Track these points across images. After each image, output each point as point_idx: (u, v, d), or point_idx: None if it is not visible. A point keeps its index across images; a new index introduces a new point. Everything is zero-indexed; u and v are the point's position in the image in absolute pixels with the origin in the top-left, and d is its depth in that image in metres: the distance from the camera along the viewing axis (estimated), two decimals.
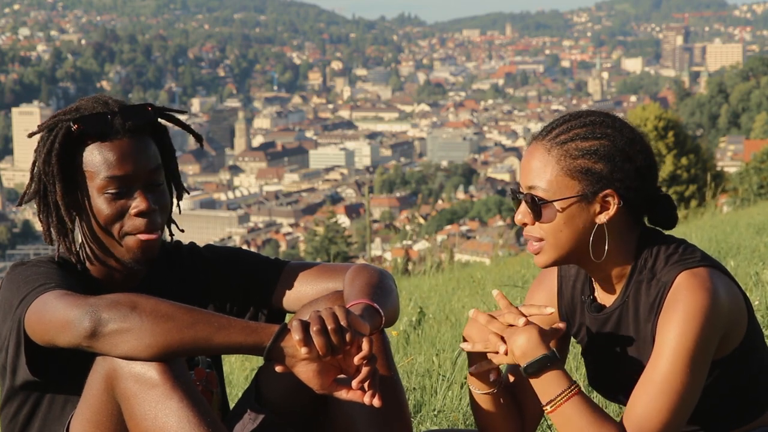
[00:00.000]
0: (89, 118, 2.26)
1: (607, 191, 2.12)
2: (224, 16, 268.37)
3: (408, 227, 71.38)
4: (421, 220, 79.02)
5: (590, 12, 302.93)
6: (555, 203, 2.12)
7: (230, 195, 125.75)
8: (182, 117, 2.42)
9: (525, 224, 2.17)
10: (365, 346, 2.06)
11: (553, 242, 2.14)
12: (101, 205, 2.27)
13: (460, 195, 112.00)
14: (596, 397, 3.65)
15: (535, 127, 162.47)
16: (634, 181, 2.13)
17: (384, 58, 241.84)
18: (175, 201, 2.43)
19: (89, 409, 2.14)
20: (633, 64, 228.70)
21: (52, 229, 2.31)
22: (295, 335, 2.04)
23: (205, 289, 2.47)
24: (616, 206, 2.12)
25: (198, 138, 2.56)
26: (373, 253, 27.53)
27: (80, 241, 2.34)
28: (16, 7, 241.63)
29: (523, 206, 2.17)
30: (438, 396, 3.77)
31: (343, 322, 2.05)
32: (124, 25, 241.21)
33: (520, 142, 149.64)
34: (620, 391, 2.25)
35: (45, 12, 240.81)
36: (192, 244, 2.53)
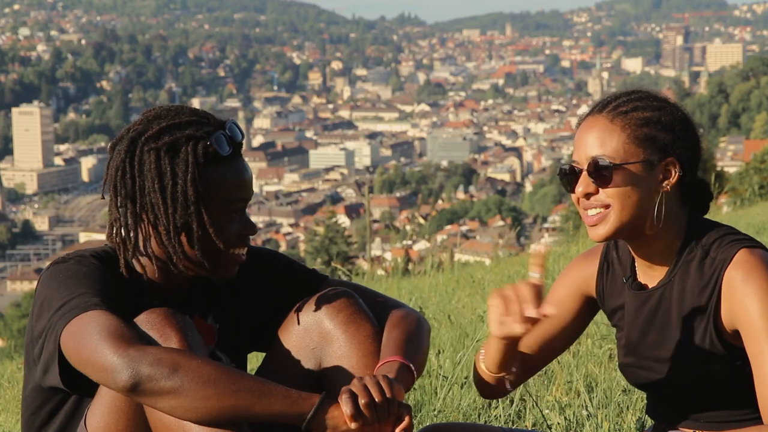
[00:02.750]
0: (219, 137, 2.25)
1: (670, 159, 2.17)
2: (224, 16, 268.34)
3: (408, 227, 71.41)
4: (421, 220, 79.11)
5: (590, 12, 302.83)
6: (624, 167, 2.15)
7: None
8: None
9: (588, 195, 2.19)
10: (406, 419, 2.11)
11: (620, 208, 2.15)
12: (227, 224, 2.27)
13: (460, 195, 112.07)
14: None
15: (535, 127, 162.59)
16: (691, 151, 2.20)
17: (384, 58, 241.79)
18: None
19: (109, 393, 2.14)
20: (633, 64, 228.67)
21: (140, 241, 2.27)
22: (346, 409, 2.06)
23: (240, 290, 2.45)
24: (677, 175, 2.18)
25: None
26: (373, 253, 27.50)
27: (152, 252, 2.28)
28: (16, 7, 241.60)
29: (584, 177, 2.18)
30: (438, 396, 3.77)
31: (389, 395, 2.09)
32: (124, 25, 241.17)
33: (520, 142, 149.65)
34: (648, 375, 2.26)
35: (45, 12, 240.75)
36: None
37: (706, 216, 2.29)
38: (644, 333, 2.27)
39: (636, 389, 3.75)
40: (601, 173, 2.16)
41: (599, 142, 2.17)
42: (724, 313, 2.14)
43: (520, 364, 2.42)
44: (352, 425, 2.06)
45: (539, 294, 2.08)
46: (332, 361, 2.31)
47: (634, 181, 2.15)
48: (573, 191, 2.21)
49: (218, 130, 2.26)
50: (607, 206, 2.17)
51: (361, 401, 2.07)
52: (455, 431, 2.47)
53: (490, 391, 2.45)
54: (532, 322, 2.07)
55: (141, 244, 2.27)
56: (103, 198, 2.30)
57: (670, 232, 2.20)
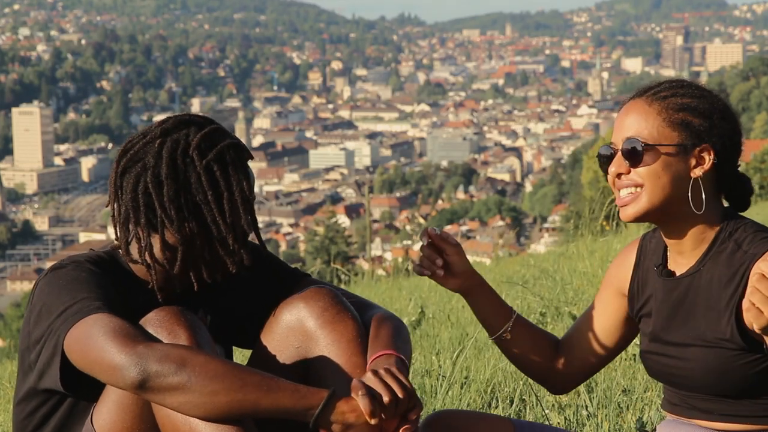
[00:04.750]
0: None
1: (705, 146, 2.19)
2: (224, 16, 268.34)
3: (408, 227, 71.43)
4: (421, 220, 79.09)
5: (590, 12, 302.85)
6: (656, 148, 2.19)
7: None
8: None
9: (620, 175, 2.23)
10: (414, 415, 2.14)
11: (651, 189, 2.20)
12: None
13: (460, 195, 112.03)
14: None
15: (535, 127, 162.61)
16: (729, 140, 2.22)
17: (384, 58, 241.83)
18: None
19: (116, 391, 2.15)
20: (633, 64, 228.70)
21: (156, 246, 2.27)
22: (364, 405, 2.06)
23: (226, 285, 2.43)
24: (711, 162, 2.20)
25: None
26: (373, 253, 27.49)
27: (160, 255, 2.28)
28: (16, 7, 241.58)
29: (618, 157, 2.23)
30: (438, 396, 3.77)
31: (410, 388, 2.12)
32: (124, 25, 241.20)
33: (520, 142, 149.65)
34: (667, 362, 2.29)
35: (45, 12, 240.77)
36: None
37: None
38: (669, 320, 2.28)
39: (634, 390, 3.76)
40: (633, 153, 2.21)
41: (635, 124, 2.22)
42: None
43: (573, 363, 2.48)
44: (372, 422, 2.06)
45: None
46: (319, 361, 2.29)
47: (665, 164, 2.19)
48: (606, 172, 2.28)
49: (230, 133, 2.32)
50: (638, 186, 2.21)
51: (385, 398, 2.08)
52: (463, 418, 2.46)
53: (536, 370, 2.51)
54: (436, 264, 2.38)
55: (158, 254, 2.28)
56: (117, 219, 2.28)
57: (702, 220, 2.23)
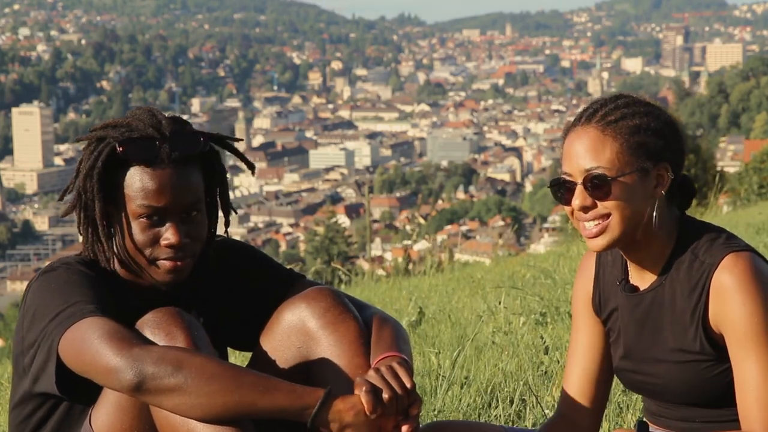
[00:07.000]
0: (137, 142, 2.23)
1: (663, 164, 2.18)
2: (224, 16, 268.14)
3: (408, 227, 71.37)
4: (421, 220, 78.99)
5: (590, 12, 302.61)
6: (620, 179, 2.14)
7: (230, 195, 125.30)
8: (236, 144, 2.44)
9: (585, 208, 2.17)
10: (415, 410, 2.15)
11: (619, 219, 2.15)
12: (135, 228, 2.26)
13: (460, 195, 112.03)
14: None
15: (535, 127, 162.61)
16: (680, 154, 2.22)
17: (384, 58, 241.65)
18: (222, 224, 2.44)
19: (114, 392, 2.15)
20: (633, 64, 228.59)
21: (89, 242, 2.30)
22: (366, 401, 2.06)
23: (220, 285, 2.44)
24: (670, 179, 2.19)
25: (250, 167, 2.46)
26: (373, 253, 27.49)
27: (116, 252, 2.31)
28: (16, 7, 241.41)
29: (580, 191, 2.17)
30: (438, 396, 3.77)
31: (409, 386, 2.12)
32: (124, 25, 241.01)
33: (520, 142, 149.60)
34: (642, 378, 2.29)
35: (45, 12, 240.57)
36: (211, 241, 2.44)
37: (689, 212, 2.28)
38: (637, 335, 2.28)
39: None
40: (598, 186, 2.15)
41: (593, 154, 2.15)
42: (712, 316, 2.16)
43: (582, 407, 2.44)
44: (372, 416, 2.06)
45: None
46: (321, 361, 2.28)
47: (630, 191, 2.15)
48: (567, 204, 2.19)
49: (153, 139, 2.24)
50: (604, 217, 2.17)
51: (385, 395, 2.08)
52: (457, 428, 2.46)
53: None
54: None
55: (115, 244, 2.32)
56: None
57: (661, 235, 2.21)
